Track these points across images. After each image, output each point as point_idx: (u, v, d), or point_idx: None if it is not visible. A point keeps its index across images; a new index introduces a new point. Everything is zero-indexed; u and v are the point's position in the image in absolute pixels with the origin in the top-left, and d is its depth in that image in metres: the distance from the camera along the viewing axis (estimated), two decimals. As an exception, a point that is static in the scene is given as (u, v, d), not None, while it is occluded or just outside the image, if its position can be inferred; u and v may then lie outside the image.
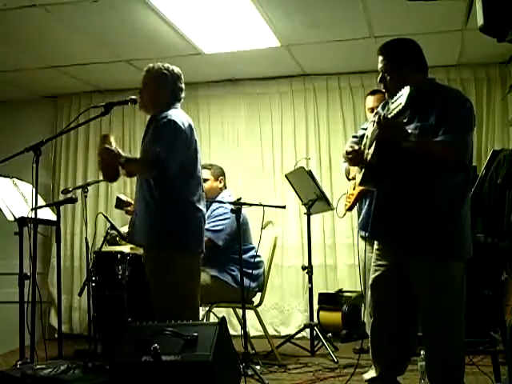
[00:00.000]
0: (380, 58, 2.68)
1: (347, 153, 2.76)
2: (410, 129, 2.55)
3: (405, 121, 2.57)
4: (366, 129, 2.88)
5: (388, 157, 2.57)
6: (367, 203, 3.86)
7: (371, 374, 2.75)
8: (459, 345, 2.60)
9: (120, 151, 3.03)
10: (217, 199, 4.22)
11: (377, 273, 2.70)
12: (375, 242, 2.82)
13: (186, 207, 3.14)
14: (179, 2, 3.93)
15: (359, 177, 2.77)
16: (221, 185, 4.37)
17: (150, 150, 3.07)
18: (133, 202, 3.75)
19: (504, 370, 3.16)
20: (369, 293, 2.77)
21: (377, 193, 2.76)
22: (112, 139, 3.11)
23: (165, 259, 3.11)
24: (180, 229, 3.11)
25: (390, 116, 2.46)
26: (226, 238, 4.14)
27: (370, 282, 2.74)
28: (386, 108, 2.63)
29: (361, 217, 3.96)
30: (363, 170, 2.71)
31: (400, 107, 2.39)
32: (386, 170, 2.62)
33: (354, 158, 2.73)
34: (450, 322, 2.57)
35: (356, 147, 2.74)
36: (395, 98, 2.48)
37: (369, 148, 2.65)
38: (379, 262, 2.70)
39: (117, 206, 3.85)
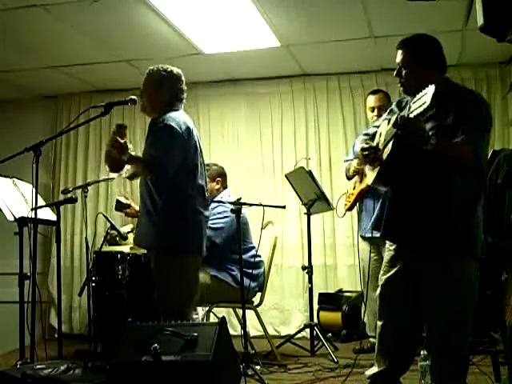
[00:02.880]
0: (399, 51, 2.62)
1: (363, 149, 2.68)
2: (426, 127, 2.49)
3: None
4: (378, 126, 2.83)
5: (405, 158, 2.53)
6: (379, 203, 3.78)
7: (373, 370, 2.75)
8: (467, 344, 2.61)
9: (129, 146, 3.03)
10: (216, 199, 4.22)
11: (389, 273, 2.70)
12: (387, 242, 2.81)
13: (186, 210, 3.14)
14: (179, 2, 3.93)
15: (372, 175, 2.71)
16: (217, 186, 4.33)
17: (146, 154, 3.13)
18: (132, 204, 3.77)
19: (504, 370, 3.16)
20: (378, 292, 2.77)
21: (390, 193, 2.72)
22: (127, 132, 3.11)
23: (166, 262, 3.13)
24: (180, 232, 3.12)
25: (412, 115, 2.38)
26: (224, 237, 4.13)
27: (381, 281, 2.74)
28: (407, 106, 2.57)
29: (373, 217, 3.88)
30: (378, 169, 2.64)
31: (424, 106, 2.30)
32: (400, 171, 2.58)
33: (369, 155, 2.65)
34: (462, 320, 2.57)
35: (373, 144, 2.66)
36: (417, 97, 2.38)
37: (384, 147, 2.59)
38: (392, 262, 2.70)
39: (117, 209, 3.86)
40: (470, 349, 2.73)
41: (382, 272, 2.76)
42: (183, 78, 3.28)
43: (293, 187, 4.76)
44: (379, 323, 2.75)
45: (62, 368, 2.74)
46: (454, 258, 2.55)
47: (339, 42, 4.71)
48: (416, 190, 2.58)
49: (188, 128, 3.15)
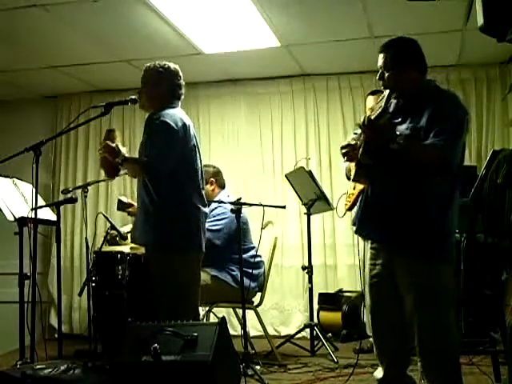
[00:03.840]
0: (381, 55, 2.70)
1: (342, 147, 2.79)
2: (401, 129, 2.57)
3: (398, 121, 2.60)
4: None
5: (377, 156, 2.58)
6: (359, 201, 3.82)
7: (380, 372, 2.75)
8: (450, 346, 2.59)
9: (121, 148, 3.04)
10: (215, 199, 4.20)
11: (372, 271, 2.72)
12: (370, 241, 2.83)
13: (183, 207, 3.13)
14: (179, 2, 3.93)
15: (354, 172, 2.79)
16: (212, 187, 4.29)
17: (143, 153, 3.12)
18: (134, 204, 3.77)
19: (504, 370, 3.16)
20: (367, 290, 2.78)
21: (366, 190, 2.76)
22: (117, 135, 3.13)
23: (164, 259, 3.11)
24: (178, 229, 3.11)
25: (373, 117, 2.52)
26: (224, 238, 4.13)
27: (367, 280, 2.76)
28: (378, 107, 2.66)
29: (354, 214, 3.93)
30: (355, 166, 2.73)
31: (380, 110, 2.50)
32: (375, 169, 2.63)
33: (347, 153, 2.76)
34: (441, 321, 2.57)
35: (352, 142, 2.75)
36: (380, 98, 2.57)
37: (360, 146, 2.67)
38: (374, 261, 2.72)
39: (118, 209, 3.86)
40: (471, 349, 2.72)
41: (367, 271, 2.77)
42: (180, 74, 3.27)
43: (293, 187, 4.76)
44: (371, 321, 2.77)
45: (62, 368, 2.74)
46: (426, 261, 2.55)
47: (339, 42, 4.71)
48: (390, 190, 2.61)
49: (184, 125, 3.14)
